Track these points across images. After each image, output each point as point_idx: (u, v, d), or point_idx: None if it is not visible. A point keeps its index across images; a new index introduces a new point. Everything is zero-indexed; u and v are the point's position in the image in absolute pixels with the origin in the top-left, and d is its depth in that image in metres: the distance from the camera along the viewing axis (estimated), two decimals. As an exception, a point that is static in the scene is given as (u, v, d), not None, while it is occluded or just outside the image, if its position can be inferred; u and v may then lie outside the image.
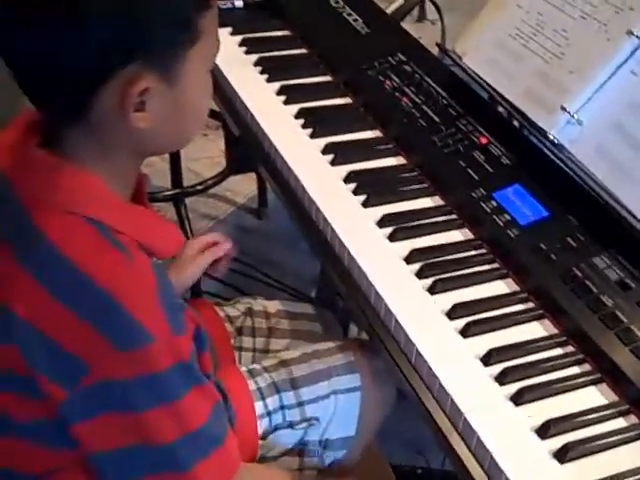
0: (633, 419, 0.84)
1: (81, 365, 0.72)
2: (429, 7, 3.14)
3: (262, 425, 1.00)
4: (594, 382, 0.88)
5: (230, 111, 1.34)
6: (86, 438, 0.76)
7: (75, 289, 0.72)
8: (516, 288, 0.98)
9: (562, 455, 0.80)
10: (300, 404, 1.02)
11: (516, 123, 1.21)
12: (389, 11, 1.59)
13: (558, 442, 0.81)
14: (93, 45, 0.69)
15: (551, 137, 1.11)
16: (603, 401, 0.86)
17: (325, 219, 1.08)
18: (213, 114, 2.29)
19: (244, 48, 1.42)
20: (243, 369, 1.05)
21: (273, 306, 1.22)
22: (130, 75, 0.71)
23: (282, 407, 1.01)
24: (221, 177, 2.10)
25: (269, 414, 1.01)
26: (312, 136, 1.22)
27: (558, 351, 0.91)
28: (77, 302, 0.71)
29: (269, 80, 1.35)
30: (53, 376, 0.73)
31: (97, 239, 0.73)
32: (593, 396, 0.86)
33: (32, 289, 0.72)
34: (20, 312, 0.72)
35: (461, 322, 0.93)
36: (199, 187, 2.07)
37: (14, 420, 0.79)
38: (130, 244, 0.74)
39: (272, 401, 1.01)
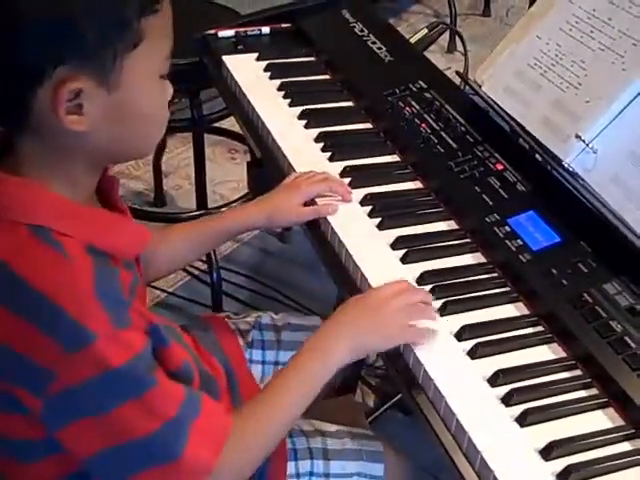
0: (639, 443, 0.84)
1: (46, 373, 0.74)
2: (459, 39, 3.18)
3: None
4: (600, 406, 0.88)
5: (253, 134, 1.37)
6: (69, 444, 0.78)
7: (14, 294, 0.74)
8: (526, 312, 0.99)
9: (565, 477, 0.80)
10: (327, 475, 1.04)
11: (532, 151, 1.22)
12: (413, 40, 1.62)
13: (561, 464, 0.81)
14: (26, 45, 0.70)
15: (566, 165, 1.13)
16: (609, 425, 0.86)
17: (340, 240, 1.10)
18: (240, 138, 2.36)
19: (268, 73, 1.46)
20: None
21: (281, 319, 1.24)
22: (62, 76, 0.72)
23: (311, 473, 1.04)
24: (245, 200, 2.13)
25: (298, 476, 1.03)
26: (331, 159, 1.25)
27: (565, 374, 0.91)
28: (19, 307, 0.73)
29: (291, 104, 1.38)
30: (25, 386, 0.75)
31: (36, 245, 0.74)
32: (599, 419, 0.87)
33: None
34: None
35: (469, 343, 0.94)
36: (223, 209, 2.11)
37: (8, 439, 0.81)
38: (73, 247, 0.75)
39: (303, 464, 1.03)
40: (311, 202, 1.16)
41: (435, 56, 1.55)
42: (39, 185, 0.78)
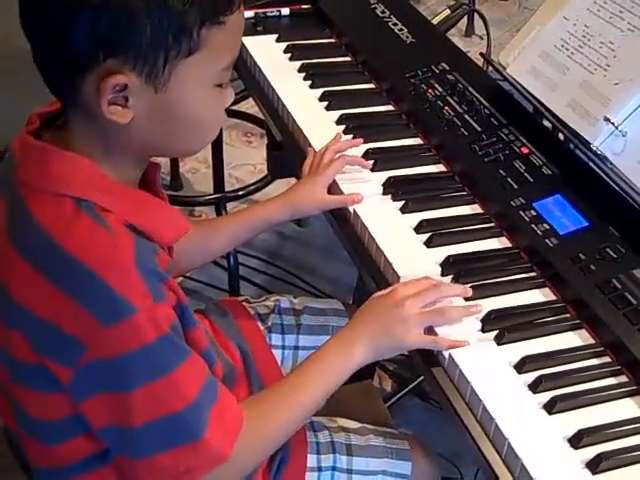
0: (670, 432, 0.82)
1: (78, 344, 0.74)
2: (477, 23, 3.15)
3: (310, 478, 1.02)
4: (630, 394, 0.86)
5: (273, 116, 1.35)
6: (93, 415, 0.77)
7: (55, 264, 0.74)
8: (553, 297, 0.98)
9: (594, 465, 0.79)
10: (349, 471, 1.03)
11: (559, 134, 1.20)
12: (435, 22, 1.59)
13: (591, 452, 0.80)
14: (82, 30, 0.71)
15: (594, 148, 1.11)
16: (639, 413, 0.84)
17: (362, 224, 1.08)
18: (257, 121, 2.34)
19: (288, 55, 1.44)
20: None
21: (300, 303, 1.22)
22: (110, 68, 0.72)
23: (333, 468, 1.03)
24: (263, 183, 2.12)
25: (320, 469, 1.02)
26: (353, 142, 1.23)
27: (594, 361, 0.90)
28: (59, 277, 0.74)
29: (312, 86, 1.36)
30: (56, 358, 0.75)
31: (79, 217, 0.74)
32: (629, 408, 0.85)
33: (22, 269, 0.75)
34: (16, 295, 0.76)
35: (496, 329, 0.92)
36: (240, 192, 2.10)
37: (31, 416, 0.81)
38: (114, 221, 0.75)
39: (326, 458, 1.03)
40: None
41: (453, 39, 1.52)
42: (87, 161, 0.77)
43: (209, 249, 1.13)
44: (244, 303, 1.22)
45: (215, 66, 0.77)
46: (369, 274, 1.05)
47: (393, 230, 1.07)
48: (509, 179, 1.12)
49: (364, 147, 1.21)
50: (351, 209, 1.10)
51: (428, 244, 1.04)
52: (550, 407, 0.84)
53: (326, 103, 1.31)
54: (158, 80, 0.74)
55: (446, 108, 1.27)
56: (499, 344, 0.91)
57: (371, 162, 1.17)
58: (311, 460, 1.02)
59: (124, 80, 0.73)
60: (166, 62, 0.73)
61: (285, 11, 1.57)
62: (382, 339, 0.91)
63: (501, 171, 1.14)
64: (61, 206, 0.75)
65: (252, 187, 2.12)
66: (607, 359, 0.90)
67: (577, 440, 0.80)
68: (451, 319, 0.91)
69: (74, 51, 0.72)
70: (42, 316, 0.75)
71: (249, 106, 2.30)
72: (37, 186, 0.76)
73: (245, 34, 1.45)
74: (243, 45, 1.47)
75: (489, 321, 0.93)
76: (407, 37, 1.46)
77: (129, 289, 0.73)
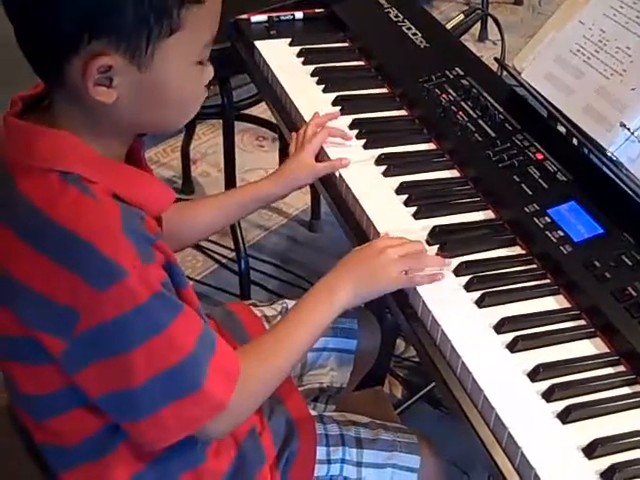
0: (685, 443, 0.81)
1: (72, 313, 0.74)
2: (491, 28, 3.14)
3: (319, 470, 1.02)
4: (645, 404, 0.85)
5: (285, 120, 1.35)
6: (90, 384, 0.78)
7: (45, 235, 0.75)
8: (567, 305, 0.97)
9: (609, 476, 0.77)
10: (359, 464, 1.04)
11: (574, 139, 1.19)
12: (449, 26, 1.58)
13: (606, 462, 0.78)
14: (66, 13, 0.72)
15: (609, 154, 1.10)
16: (654, 423, 0.83)
17: (375, 229, 1.08)
18: (269, 125, 2.34)
19: (302, 59, 1.43)
20: (313, 413, 1.07)
21: None
22: (95, 50, 0.74)
23: (343, 460, 1.03)
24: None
25: (329, 462, 1.03)
26: (365, 146, 1.22)
27: (609, 370, 0.89)
28: (49, 248, 0.75)
29: (325, 90, 1.35)
30: (48, 329, 0.76)
31: (65, 187, 0.75)
32: (644, 418, 0.84)
33: (14, 245, 0.76)
34: (9, 269, 0.77)
35: (509, 336, 0.91)
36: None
37: (23, 391, 0.82)
38: (102, 192, 0.76)
39: (335, 451, 1.03)
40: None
41: (467, 44, 1.52)
42: (71, 136, 0.79)
43: (195, 224, 1.15)
44: (251, 306, 1.22)
45: (196, 44, 0.79)
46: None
47: (406, 236, 1.06)
48: (523, 185, 1.11)
49: (377, 152, 1.20)
50: (364, 216, 1.10)
51: (441, 251, 1.03)
52: (564, 416, 0.83)
53: (339, 108, 1.31)
54: (141, 60, 0.76)
55: (460, 113, 1.26)
56: (512, 352, 0.90)
57: (354, 133, 1.23)
58: (320, 452, 1.02)
59: (109, 61, 0.74)
60: (149, 42, 0.75)
61: (299, 15, 1.56)
62: (363, 284, 0.96)
63: (515, 177, 1.13)
64: (48, 180, 0.76)
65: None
66: (622, 368, 0.89)
67: (591, 450, 0.79)
68: (427, 263, 0.98)
69: (59, 34, 0.73)
70: (34, 288, 0.75)
71: (261, 110, 2.30)
72: (24, 163, 0.78)
73: (258, 37, 1.49)
74: (256, 49, 1.47)
75: (502, 328, 0.92)
76: (421, 42, 1.45)
77: (118, 252, 0.74)
